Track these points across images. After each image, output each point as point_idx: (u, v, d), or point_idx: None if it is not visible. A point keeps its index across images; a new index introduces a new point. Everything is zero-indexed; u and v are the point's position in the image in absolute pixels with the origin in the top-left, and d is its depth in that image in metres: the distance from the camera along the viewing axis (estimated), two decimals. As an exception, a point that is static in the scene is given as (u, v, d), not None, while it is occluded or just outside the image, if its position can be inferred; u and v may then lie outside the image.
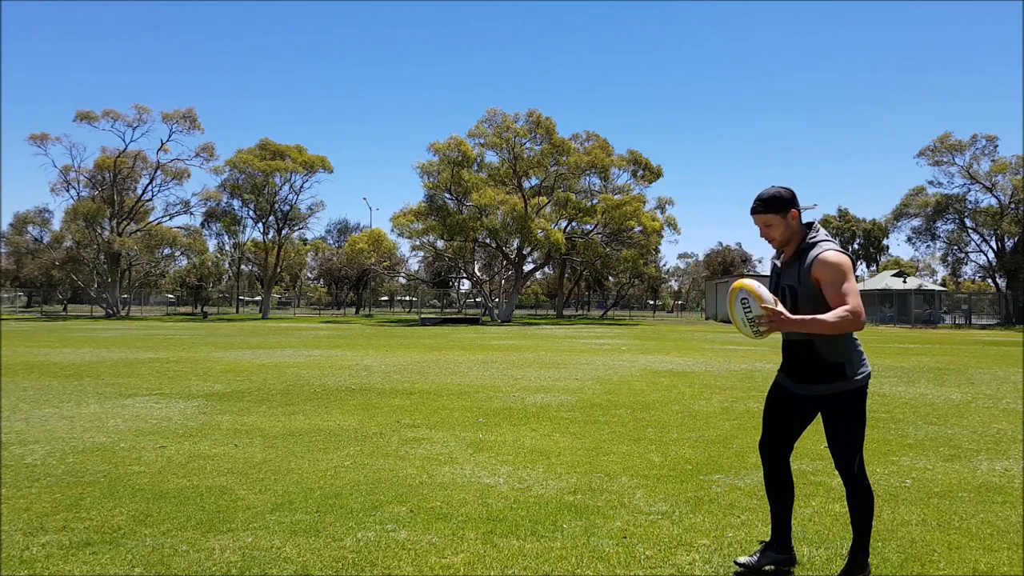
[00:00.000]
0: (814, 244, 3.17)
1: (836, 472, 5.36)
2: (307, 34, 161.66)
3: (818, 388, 3.18)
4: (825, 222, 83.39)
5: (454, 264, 56.14)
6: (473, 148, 49.66)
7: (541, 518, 4.20)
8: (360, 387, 10.24)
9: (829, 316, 2.97)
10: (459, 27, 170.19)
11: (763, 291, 3.01)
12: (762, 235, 3.28)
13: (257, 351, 17.30)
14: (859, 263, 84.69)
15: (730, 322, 2.93)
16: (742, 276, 3.52)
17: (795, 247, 3.23)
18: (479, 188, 47.57)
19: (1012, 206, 48.10)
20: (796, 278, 3.16)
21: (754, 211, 3.23)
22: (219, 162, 53.42)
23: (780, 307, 3.01)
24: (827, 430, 3.21)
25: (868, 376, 3.20)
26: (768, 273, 3.42)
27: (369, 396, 9.31)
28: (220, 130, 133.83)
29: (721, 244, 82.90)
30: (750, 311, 3.00)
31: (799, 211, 3.24)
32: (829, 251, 3.11)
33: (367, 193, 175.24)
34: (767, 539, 3.53)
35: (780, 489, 3.41)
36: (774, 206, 3.19)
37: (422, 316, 47.83)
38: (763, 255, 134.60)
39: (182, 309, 68.45)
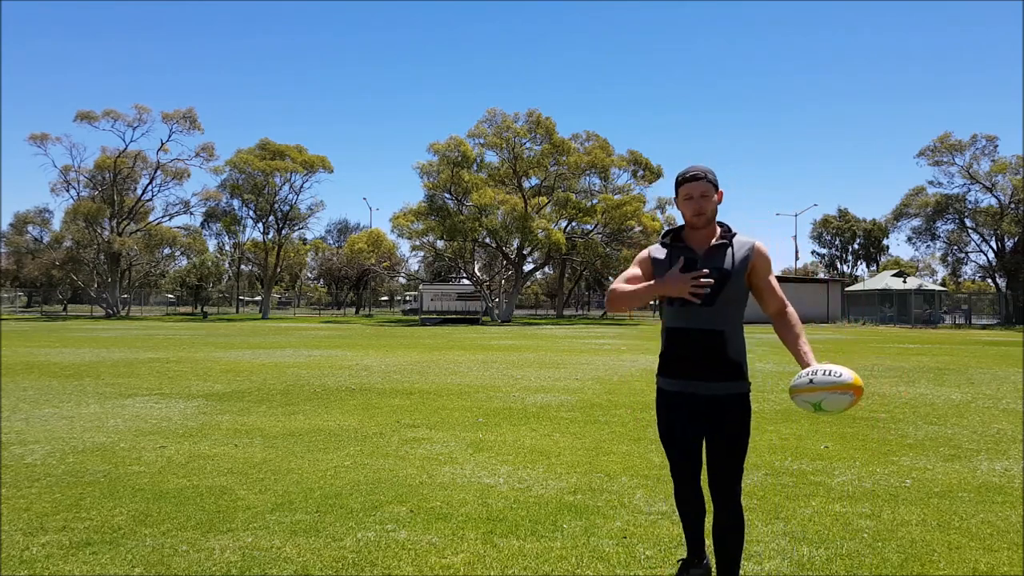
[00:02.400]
0: (735, 234, 2.99)
1: (836, 472, 5.39)
2: (307, 34, 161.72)
3: (721, 387, 2.87)
4: (825, 222, 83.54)
5: (454, 264, 56.12)
6: (473, 148, 49.68)
7: (541, 518, 4.20)
8: (360, 387, 10.24)
9: (801, 329, 2.95)
10: (459, 27, 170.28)
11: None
12: (692, 209, 2.90)
13: (257, 351, 17.30)
14: (859, 263, 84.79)
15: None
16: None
17: (714, 233, 2.97)
18: (479, 188, 47.58)
19: (1012, 206, 48.08)
20: (729, 261, 2.90)
21: (694, 177, 2.89)
22: (219, 162, 53.59)
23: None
24: (720, 440, 2.89)
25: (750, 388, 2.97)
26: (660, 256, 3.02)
27: (369, 396, 9.31)
28: (220, 130, 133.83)
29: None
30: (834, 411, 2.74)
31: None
32: (760, 243, 2.98)
33: (367, 193, 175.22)
34: (684, 556, 3.29)
35: (693, 504, 3.10)
36: (714, 178, 2.93)
37: (422, 316, 47.79)
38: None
39: (182, 309, 68.48)
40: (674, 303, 2.91)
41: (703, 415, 2.89)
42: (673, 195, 3.01)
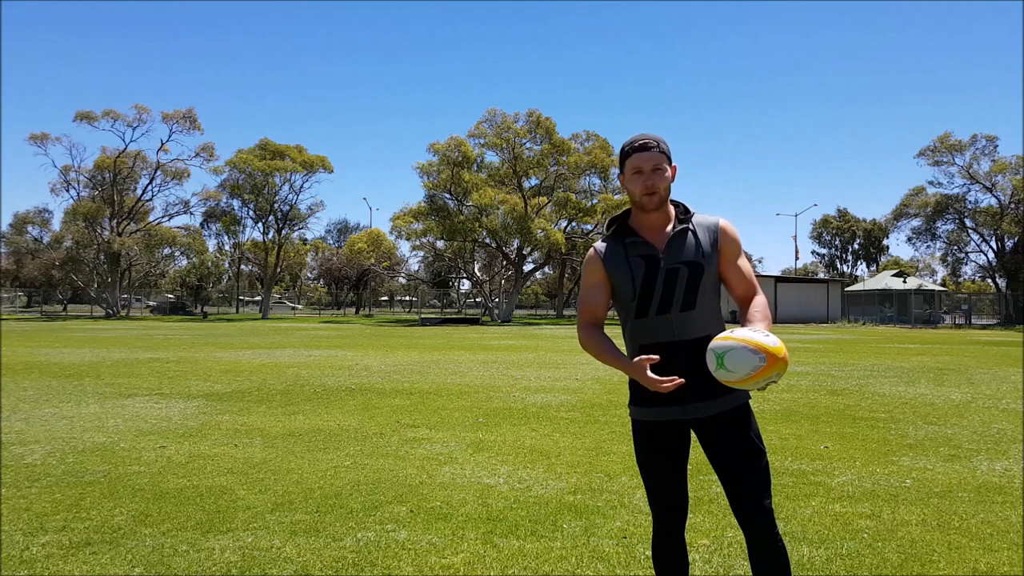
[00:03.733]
0: (693, 214, 2.48)
1: (836, 472, 5.40)
2: (307, 34, 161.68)
3: (718, 403, 2.37)
4: (825, 222, 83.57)
5: (454, 264, 56.14)
6: (473, 148, 49.72)
7: (541, 518, 4.20)
8: (360, 387, 10.24)
9: (767, 310, 2.41)
10: (459, 27, 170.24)
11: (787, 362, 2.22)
12: (642, 187, 2.38)
13: (257, 351, 17.30)
14: (859, 263, 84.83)
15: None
16: (767, 352, 2.03)
17: (668, 217, 2.45)
18: (479, 188, 47.61)
19: (1012, 206, 48.10)
20: (697, 251, 2.40)
21: (644, 147, 2.38)
22: (219, 162, 53.58)
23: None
24: (734, 461, 2.35)
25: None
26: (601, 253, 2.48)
27: (369, 396, 9.31)
28: (220, 130, 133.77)
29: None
30: (769, 385, 2.21)
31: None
32: (724, 219, 2.47)
33: (367, 193, 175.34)
34: None
35: (676, 560, 2.51)
36: (666, 150, 2.41)
37: (422, 316, 47.82)
38: (763, 255, 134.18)
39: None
40: (644, 312, 2.40)
41: (705, 442, 2.41)
42: (620, 171, 2.49)
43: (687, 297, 2.37)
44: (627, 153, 2.42)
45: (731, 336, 2.18)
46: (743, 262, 2.50)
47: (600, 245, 2.50)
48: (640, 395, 2.43)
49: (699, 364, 2.28)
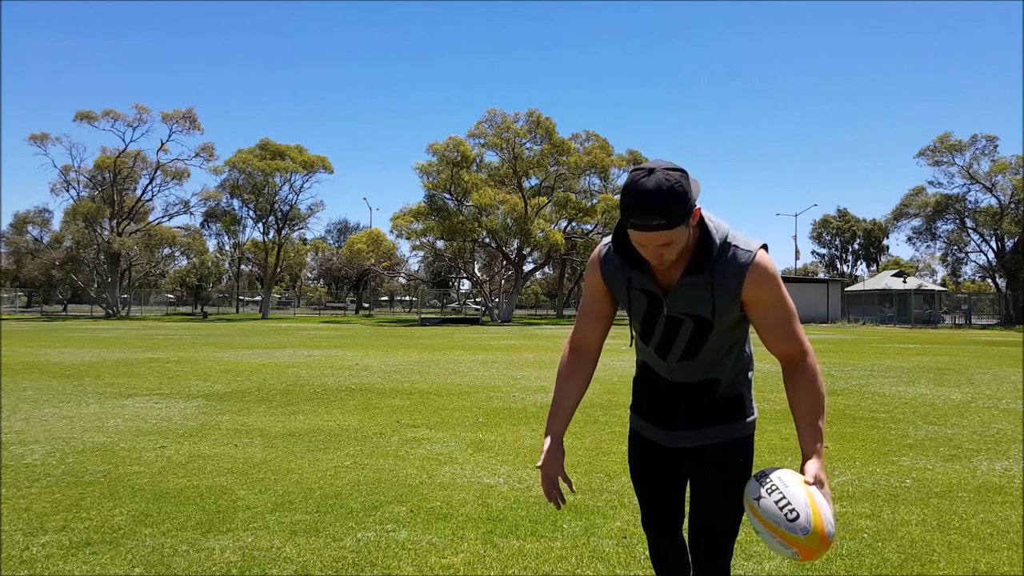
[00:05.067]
0: (724, 245, 1.96)
1: (836, 472, 5.39)
2: (307, 34, 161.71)
3: (713, 433, 2.12)
4: (825, 222, 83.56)
5: (454, 264, 56.16)
6: (473, 148, 49.72)
7: (541, 518, 4.20)
8: (360, 387, 10.24)
9: (817, 399, 1.97)
10: (459, 27, 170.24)
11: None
12: (649, 258, 1.91)
13: (257, 351, 17.30)
14: (859, 263, 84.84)
15: None
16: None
17: (685, 261, 1.98)
18: (479, 188, 47.62)
19: (1012, 206, 48.11)
20: (708, 306, 1.98)
21: (655, 227, 1.81)
22: (219, 162, 53.57)
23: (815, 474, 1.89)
24: (709, 491, 2.13)
25: (756, 419, 2.19)
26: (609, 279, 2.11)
27: (369, 396, 9.31)
28: (220, 130, 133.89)
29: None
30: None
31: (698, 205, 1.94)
32: (759, 255, 1.95)
33: (367, 193, 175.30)
34: None
35: (675, 562, 2.30)
36: (681, 213, 1.82)
37: (422, 316, 47.82)
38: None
39: (182, 309, 68.49)
40: (645, 341, 2.12)
41: (688, 463, 2.18)
42: (622, 223, 1.97)
43: (688, 349, 2.06)
44: (626, 220, 1.86)
45: (758, 512, 1.86)
46: (780, 312, 1.98)
47: (605, 250, 2.11)
48: (637, 403, 2.27)
49: (697, 395, 2.11)
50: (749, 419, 2.15)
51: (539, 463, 2.10)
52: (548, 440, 2.12)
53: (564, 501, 2.13)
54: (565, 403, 2.16)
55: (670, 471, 2.21)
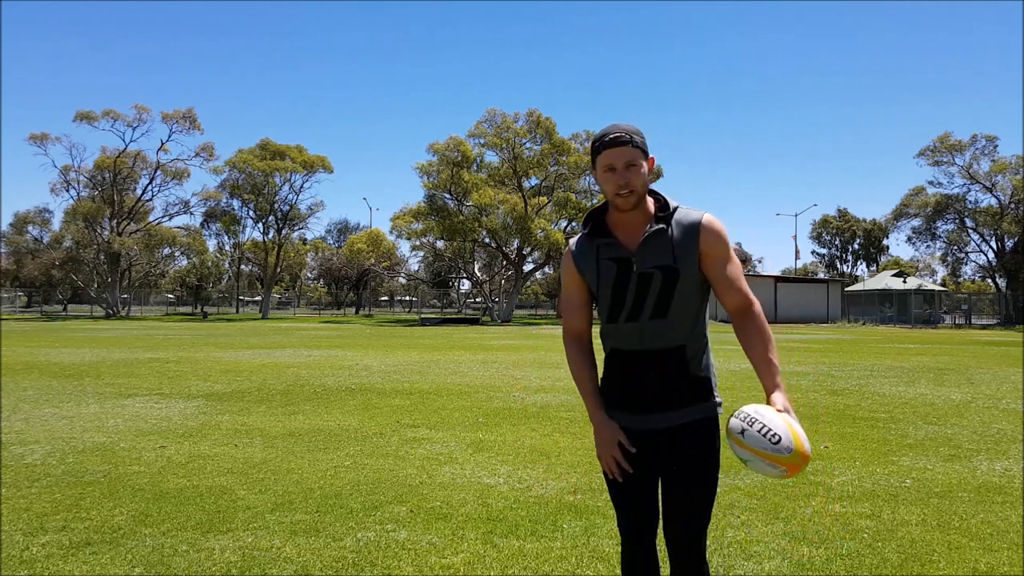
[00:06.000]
0: (676, 209, 2.25)
1: (836, 472, 5.39)
2: (307, 34, 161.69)
3: (684, 413, 2.23)
4: (825, 222, 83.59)
5: (454, 264, 56.16)
6: (473, 148, 49.71)
7: (541, 518, 4.20)
8: (360, 387, 10.24)
9: (767, 338, 2.20)
10: (459, 27, 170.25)
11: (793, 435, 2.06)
12: (614, 185, 2.19)
13: (257, 351, 17.30)
14: (859, 263, 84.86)
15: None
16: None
17: (647, 215, 2.25)
18: (479, 188, 47.61)
19: (1012, 206, 48.12)
20: (671, 255, 2.19)
21: (615, 141, 2.17)
22: (219, 162, 53.57)
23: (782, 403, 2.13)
24: (682, 480, 2.23)
25: (722, 405, 2.32)
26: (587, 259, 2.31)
27: (369, 396, 9.31)
28: (220, 130, 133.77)
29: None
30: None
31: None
32: (708, 214, 2.24)
33: (367, 193, 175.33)
34: None
35: (645, 571, 2.32)
36: (641, 143, 2.20)
37: (422, 316, 47.82)
38: (764, 254, 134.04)
39: (182, 309, 68.52)
40: (614, 318, 2.27)
41: (662, 452, 2.25)
42: (591, 165, 2.29)
43: (659, 305, 2.20)
44: (597, 148, 2.21)
45: (742, 442, 2.07)
46: (732, 267, 2.24)
47: (575, 242, 2.34)
48: (610, 400, 2.32)
49: (667, 374, 2.22)
50: (716, 400, 2.29)
51: (598, 444, 2.28)
52: (598, 417, 2.30)
53: (630, 470, 2.25)
54: (589, 382, 2.35)
55: (644, 461, 2.27)
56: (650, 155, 2.24)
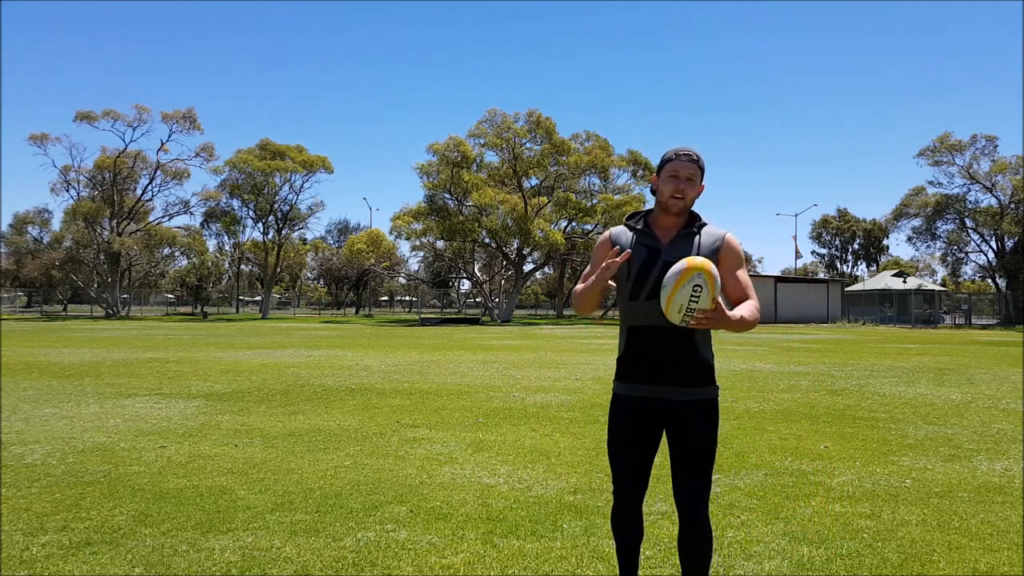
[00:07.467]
0: (705, 223, 2.77)
1: (836, 472, 5.39)
2: (307, 34, 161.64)
3: (692, 392, 2.63)
4: (825, 222, 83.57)
5: (454, 264, 56.16)
6: (473, 148, 49.68)
7: (541, 518, 4.20)
8: (360, 387, 10.24)
9: (750, 311, 2.58)
10: (459, 27, 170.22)
11: (719, 282, 2.45)
12: (672, 189, 2.67)
13: (257, 351, 17.30)
14: (859, 263, 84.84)
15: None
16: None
17: (682, 222, 2.75)
18: (479, 188, 47.60)
19: (1012, 206, 48.11)
20: (698, 255, 2.66)
21: (687, 156, 2.67)
22: (219, 162, 53.55)
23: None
24: (689, 451, 2.64)
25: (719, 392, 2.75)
26: (627, 240, 2.77)
27: (369, 396, 9.31)
28: (220, 130, 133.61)
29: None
30: (697, 301, 2.39)
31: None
32: (731, 233, 2.75)
33: (367, 193, 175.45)
34: None
35: (633, 529, 2.80)
36: (702, 166, 2.72)
37: (422, 316, 47.82)
38: (763, 254, 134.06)
39: (182, 309, 68.51)
40: (636, 296, 2.65)
41: (670, 424, 2.65)
42: (656, 172, 2.77)
43: None
44: (670, 158, 2.70)
45: (669, 284, 2.44)
46: (742, 274, 2.71)
47: (615, 229, 2.82)
48: (623, 371, 2.71)
49: (679, 351, 2.61)
50: (716, 387, 2.70)
51: (602, 272, 2.57)
52: (599, 273, 2.59)
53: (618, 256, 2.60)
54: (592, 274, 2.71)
55: (649, 431, 2.68)
56: (703, 183, 2.73)
